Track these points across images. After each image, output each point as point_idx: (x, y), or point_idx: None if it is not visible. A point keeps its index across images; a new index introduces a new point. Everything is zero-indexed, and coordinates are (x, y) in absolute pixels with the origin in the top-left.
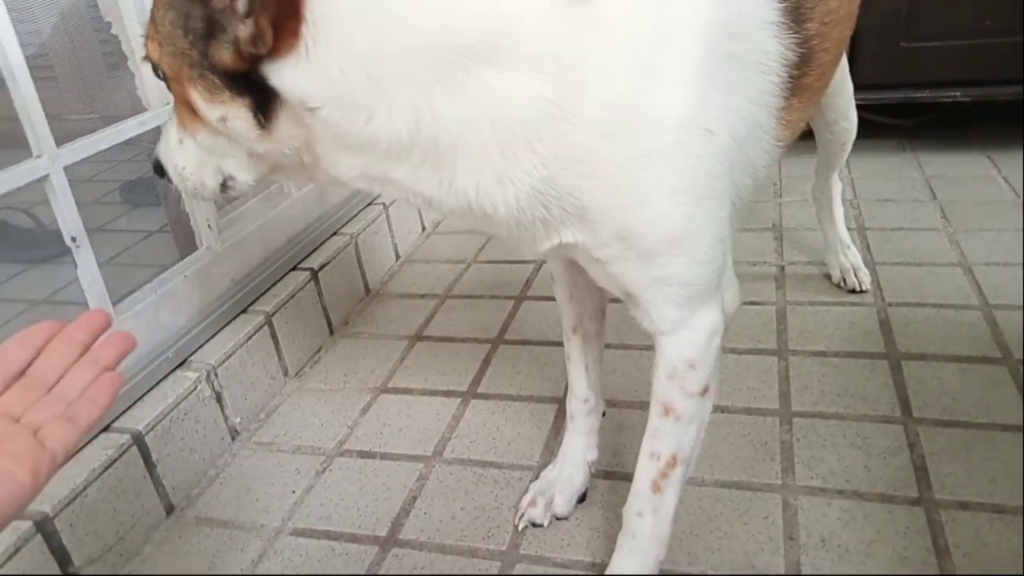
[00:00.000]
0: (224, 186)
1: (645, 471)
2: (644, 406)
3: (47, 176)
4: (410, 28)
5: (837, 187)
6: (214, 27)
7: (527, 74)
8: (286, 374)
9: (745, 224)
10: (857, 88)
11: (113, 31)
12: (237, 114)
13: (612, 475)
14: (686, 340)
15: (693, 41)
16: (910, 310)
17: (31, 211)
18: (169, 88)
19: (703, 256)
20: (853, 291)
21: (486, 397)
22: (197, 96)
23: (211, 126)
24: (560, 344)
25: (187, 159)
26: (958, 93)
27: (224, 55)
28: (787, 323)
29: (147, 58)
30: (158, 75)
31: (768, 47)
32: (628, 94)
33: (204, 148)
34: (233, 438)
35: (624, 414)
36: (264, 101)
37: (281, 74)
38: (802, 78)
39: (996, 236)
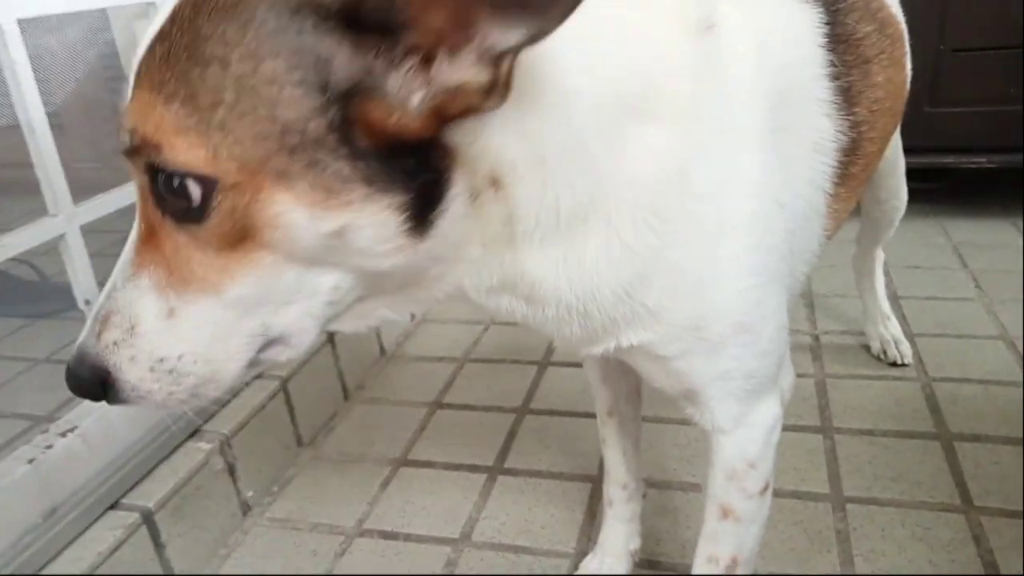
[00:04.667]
0: (257, 361)
1: None
2: (686, 486)
3: (63, 236)
4: (591, 86)
5: (880, 258)
6: (382, 74)
7: (660, 122)
8: (300, 443)
9: None
10: None
11: None
12: (376, 219)
13: (656, 564)
14: (746, 438)
15: (757, 102)
16: (956, 386)
17: (34, 263)
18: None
19: (768, 344)
20: (894, 364)
21: (514, 473)
22: (289, 203)
23: (282, 253)
24: (591, 416)
25: (189, 339)
26: (984, 159)
27: (401, 117)
28: (828, 397)
29: (149, 155)
30: (167, 188)
31: (821, 125)
32: (717, 154)
33: (242, 302)
34: (245, 513)
35: (665, 496)
36: (431, 188)
37: (483, 134)
38: (850, 166)
39: None
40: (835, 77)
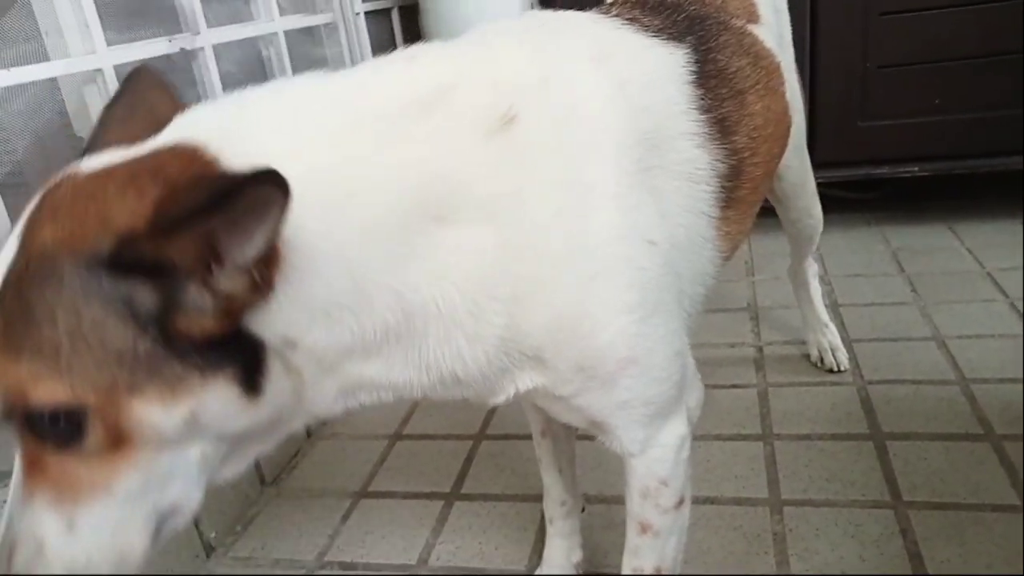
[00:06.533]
0: (159, 530)
1: None
2: None
3: None
4: (374, 200)
5: (812, 268)
6: (175, 297)
7: (475, 223)
8: (263, 482)
9: (720, 304)
10: (817, 166)
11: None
12: (216, 395)
13: None
14: (655, 458)
15: (615, 153)
16: (889, 388)
17: None
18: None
19: (661, 372)
20: (831, 371)
21: (470, 498)
22: (145, 408)
23: (153, 445)
24: None
25: (94, 541)
26: (916, 168)
27: (202, 323)
28: (770, 406)
29: (16, 409)
30: (44, 425)
31: (694, 156)
32: (560, 217)
33: (131, 494)
34: (208, 555)
35: (612, 510)
36: (251, 360)
37: (271, 314)
38: (735, 190)
39: (965, 308)
40: (707, 110)
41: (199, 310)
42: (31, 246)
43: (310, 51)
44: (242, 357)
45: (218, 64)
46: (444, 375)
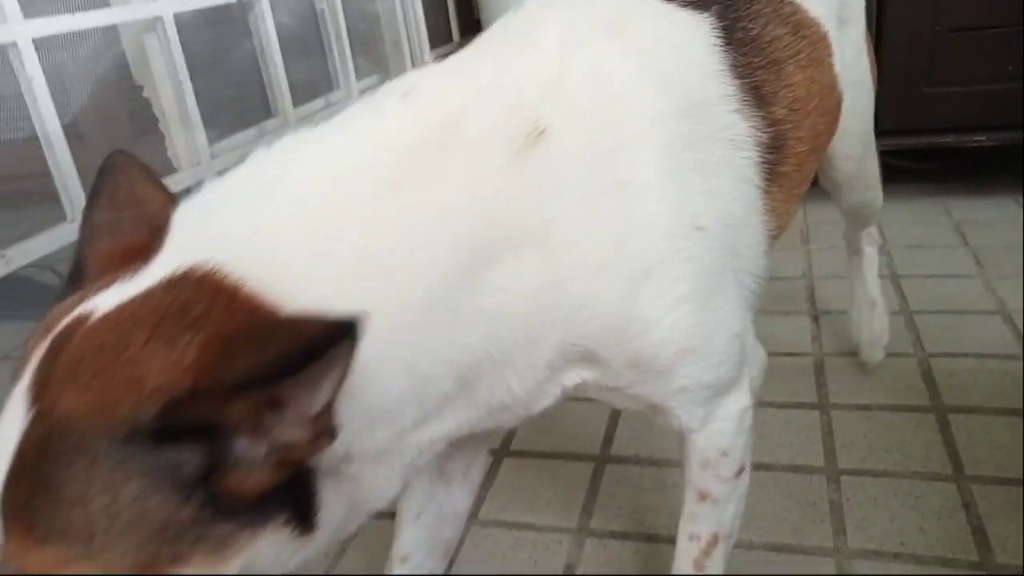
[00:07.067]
0: None
1: (686, 552)
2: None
3: None
4: (414, 277)
5: (871, 235)
6: (225, 453)
7: (520, 253)
8: None
9: (775, 272)
10: (879, 134)
11: (145, 94)
12: (267, 546)
13: (654, 538)
14: (715, 431)
15: (651, 135)
16: (952, 360)
17: (56, 268)
18: None
19: (720, 357)
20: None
21: (522, 455)
22: (193, 572)
23: None
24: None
25: None
26: (983, 137)
27: (256, 478)
28: (826, 376)
29: None
30: None
31: (732, 121)
32: (604, 222)
33: None
34: None
35: (663, 472)
36: (304, 498)
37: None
38: (779, 165)
39: None
40: (740, 76)
41: (252, 464)
42: (49, 413)
43: (362, 4)
44: (294, 498)
45: (273, 15)
46: (493, 407)
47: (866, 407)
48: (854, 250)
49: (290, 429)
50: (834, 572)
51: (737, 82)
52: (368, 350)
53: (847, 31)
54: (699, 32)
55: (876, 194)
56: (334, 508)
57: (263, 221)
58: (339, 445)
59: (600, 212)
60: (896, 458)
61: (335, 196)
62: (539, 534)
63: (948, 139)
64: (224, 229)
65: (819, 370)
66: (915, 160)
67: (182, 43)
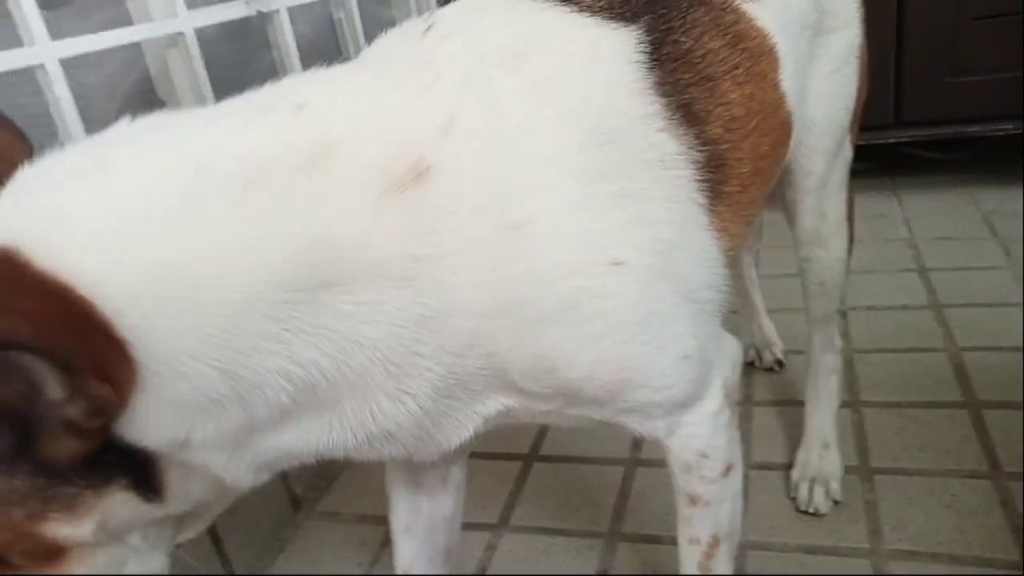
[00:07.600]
0: None
1: (689, 556)
2: None
3: None
4: (236, 283)
5: (831, 351)
6: (30, 432)
7: (383, 287)
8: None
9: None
10: (903, 125)
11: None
12: (117, 505)
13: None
14: (687, 435)
15: (549, 174)
16: (984, 355)
17: None
18: None
19: (665, 381)
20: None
21: (550, 460)
22: (54, 528)
23: (83, 549)
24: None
25: None
26: (1010, 126)
27: (66, 447)
28: (856, 373)
29: None
30: None
31: (657, 141)
32: (496, 266)
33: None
34: None
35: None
36: (140, 465)
37: (140, 423)
38: (722, 184)
39: None
40: (667, 94)
41: (54, 435)
42: None
43: (380, 13)
44: (128, 466)
45: (292, 26)
46: (373, 433)
47: (897, 404)
48: (814, 361)
49: (65, 405)
50: (870, 573)
51: (663, 100)
52: (173, 341)
53: (827, 41)
54: (618, 49)
55: (838, 243)
56: (184, 483)
57: (71, 204)
58: (157, 430)
59: (486, 255)
60: (930, 456)
61: (168, 185)
62: (570, 539)
63: (974, 128)
64: (36, 205)
65: (849, 367)
66: (941, 150)
67: (204, 57)
